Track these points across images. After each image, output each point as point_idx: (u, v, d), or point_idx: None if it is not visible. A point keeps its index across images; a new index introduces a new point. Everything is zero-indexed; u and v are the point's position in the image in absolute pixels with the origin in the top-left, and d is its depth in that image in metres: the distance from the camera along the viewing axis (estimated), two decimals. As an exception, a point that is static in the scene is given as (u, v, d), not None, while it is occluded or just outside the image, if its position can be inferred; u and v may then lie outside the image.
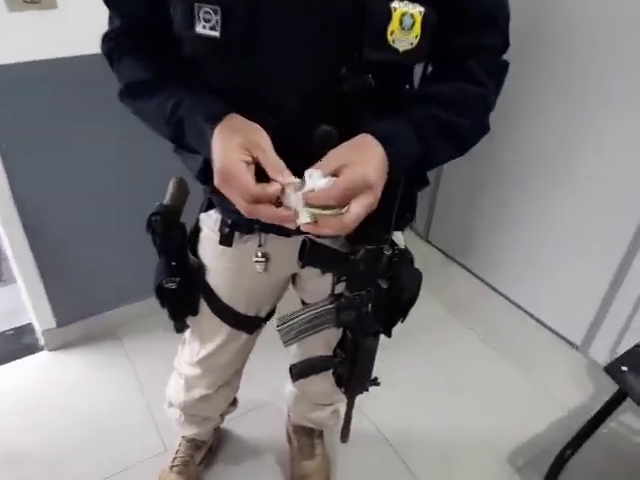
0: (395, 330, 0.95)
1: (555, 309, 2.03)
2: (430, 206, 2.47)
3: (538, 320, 2.10)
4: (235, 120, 0.71)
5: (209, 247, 0.99)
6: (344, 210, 0.65)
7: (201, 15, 0.69)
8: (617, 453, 1.61)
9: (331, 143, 0.71)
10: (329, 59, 0.72)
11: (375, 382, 1.00)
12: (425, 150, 0.74)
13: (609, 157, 1.69)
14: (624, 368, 1.29)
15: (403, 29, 0.71)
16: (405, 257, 0.88)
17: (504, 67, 0.81)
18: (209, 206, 0.96)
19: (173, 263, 0.99)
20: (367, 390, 1.01)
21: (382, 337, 0.94)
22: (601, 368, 1.85)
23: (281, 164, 0.67)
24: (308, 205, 0.65)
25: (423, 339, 1.97)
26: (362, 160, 0.67)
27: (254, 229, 0.91)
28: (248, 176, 0.66)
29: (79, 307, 1.86)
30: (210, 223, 0.96)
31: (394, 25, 0.70)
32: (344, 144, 0.70)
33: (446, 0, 0.72)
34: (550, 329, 2.06)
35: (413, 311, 0.92)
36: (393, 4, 0.69)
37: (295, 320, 0.85)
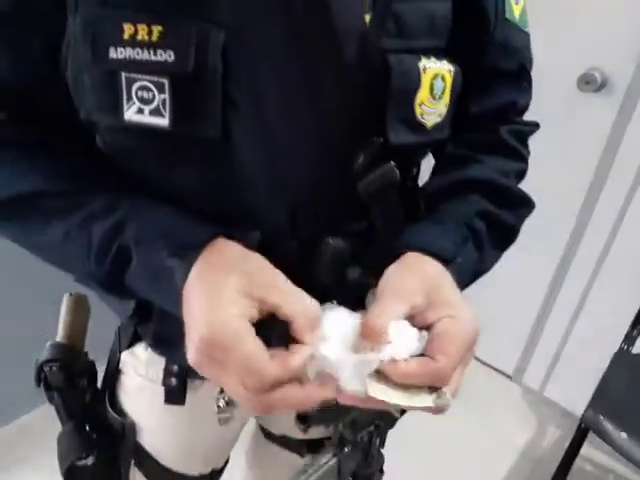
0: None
1: (486, 341, 1.99)
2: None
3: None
4: (226, 249, 0.44)
5: (143, 401, 0.68)
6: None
7: (134, 92, 0.44)
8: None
9: (341, 263, 0.52)
10: (340, 149, 0.50)
11: None
12: (481, 258, 0.55)
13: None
14: (600, 416, 1.24)
15: (434, 98, 0.51)
16: None
17: (533, 130, 0.64)
18: (134, 338, 0.65)
19: (87, 427, 0.68)
20: None
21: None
22: (536, 395, 1.87)
23: (313, 310, 0.42)
24: (383, 379, 0.41)
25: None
26: (450, 302, 0.45)
27: None
28: (257, 348, 0.39)
29: None
30: (140, 367, 0.66)
31: (424, 93, 0.50)
32: (399, 270, 0.47)
33: (470, 50, 0.55)
34: (481, 361, 2.03)
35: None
36: (421, 63, 0.49)
37: None
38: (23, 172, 0.49)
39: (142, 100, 0.44)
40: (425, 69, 0.49)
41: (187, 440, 0.71)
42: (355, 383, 0.41)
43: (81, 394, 0.69)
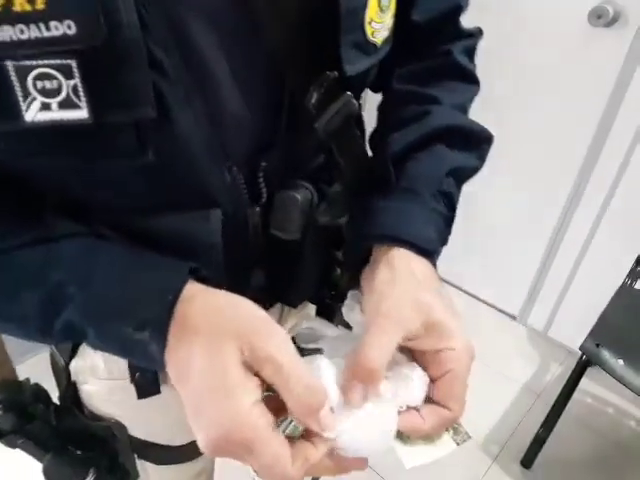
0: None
1: (491, 284, 2.03)
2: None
3: (474, 296, 2.10)
4: (197, 304, 0.37)
5: (118, 399, 0.60)
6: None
7: (30, 85, 0.32)
8: (587, 424, 1.63)
9: (311, 211, 0.48)
10: (292, 92, 0.44)
11: None
12: (452, 218, 0.52)
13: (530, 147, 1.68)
14: (596, 344, 1.28)
15: (382, 10, 0.44)
16: None
17: (478, 40, 0.58)
18: (75, 346, 0.57)
19: (70, 449, 0.60)
20: None
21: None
22: (540, 336, 1.91)
23: (320, 394, 0.36)
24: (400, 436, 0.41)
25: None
26: (446, 326, 0.41)
27: None
28: (279, 449, 0.35)
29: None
30: (99, 371, 0.57)
31: (373, 7, 0.43)
32: (388, 284, 0.43)
33: None
34: (487, 303, 2.07)
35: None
36: None
37: None
38: None
39: (44, 92, 0.33)
40: None
41: (180, 409, 0.67)
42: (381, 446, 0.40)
43: (44, 421, 0.59)
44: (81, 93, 0.33)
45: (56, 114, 0.33)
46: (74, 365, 0.58)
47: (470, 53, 0.57)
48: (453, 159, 0.51)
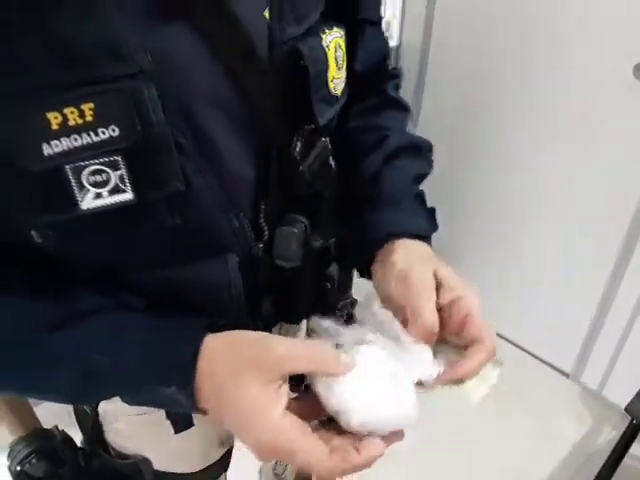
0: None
1: (543, 338, 1.97)
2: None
3: (526, 350, 2.04)
4: (214, 350, 0.44)
5: (147, 432, 0.65)
6: None
7: (85, 180, 0.39)
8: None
9: (306, 240, 0.56)
10: (278, 144, 0.52)
11: None
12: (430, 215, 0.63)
13: (579, 195, 1.66)
14: (645, 406, 1.22)
15: (339, 68, 0.54)
16: None
17: (399, 76, 0.71)
18: None
19: None
20: None
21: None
22: (594, 395, 1.82)
23: (330, 355, 0.45)
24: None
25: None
26: (451, 281, 0.52)
27: None
28: (316, 449, 0.43)
29: None
30: (128, 409, 0.55)
31: (332, 68, 0.53)
32: (407, 260, 0.53)
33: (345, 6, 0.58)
34: (539, 359, 2.00)
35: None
36: (324, 42, 0.51)
37: None
38: None
39: (96, 185, 0.40)
40: (328, 46, 0.52)
41: (203, 437, 0.70)
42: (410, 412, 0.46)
43: (73, 465, 0.65)
44: (127, 180, 0.41)
45: (107, 200, 0.41)
46: (102, 407, 0.63)
47: (397, 88, 0.70)
48: (413, 169, 0.63)
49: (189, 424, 0.61)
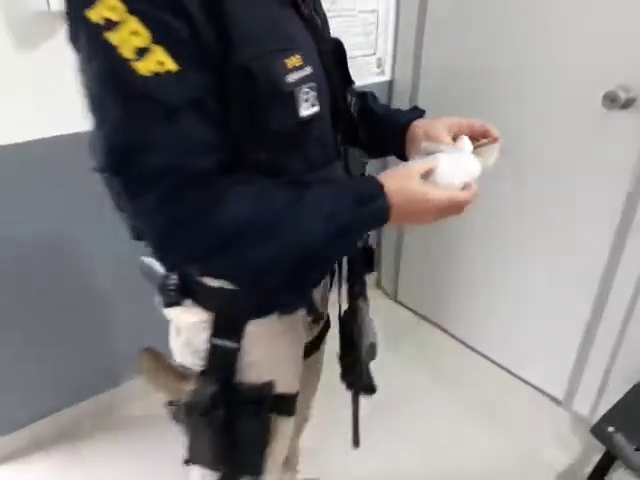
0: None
1: (534, 363, 1.97)
2: (396, 262, 2.43)
3: (517, 376, 2.04)
4: (389, 180, 0.72)
5: (277, 348, 0.86)
6: None
7: (301, 97, 0.69)
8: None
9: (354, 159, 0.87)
10: (342, 92, 0.85)
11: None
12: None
13: (572, 215, 1.70)
14: (610, 429, 1.22)
15: None
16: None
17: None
18: (263, 311, 0.82)
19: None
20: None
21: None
22: (585, 423, 1.80)
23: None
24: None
25: (400, 407, 1.88)
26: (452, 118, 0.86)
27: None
28: (445, 193, 0.73)
29: (24, 410, 1.70)
30: (276, 326, 0.84)
31: None
32: (429, 122, 0.87)
33: None
34: (531, 385, 2.00)
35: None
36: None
37: None
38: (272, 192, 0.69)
39: (306, 100, 0.70)
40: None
41: (297, 364, 0.95)
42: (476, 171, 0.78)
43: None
44: (316, 100, 0.71)
45: (310, 110, 0.71)
46: (257, 321, 0.81)
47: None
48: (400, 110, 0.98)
49: (320, 314, 0.97)
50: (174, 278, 0.79)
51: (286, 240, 0.66)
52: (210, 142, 0.64)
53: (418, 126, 0.86)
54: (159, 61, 0.57)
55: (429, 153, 0.78)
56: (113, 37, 0.56)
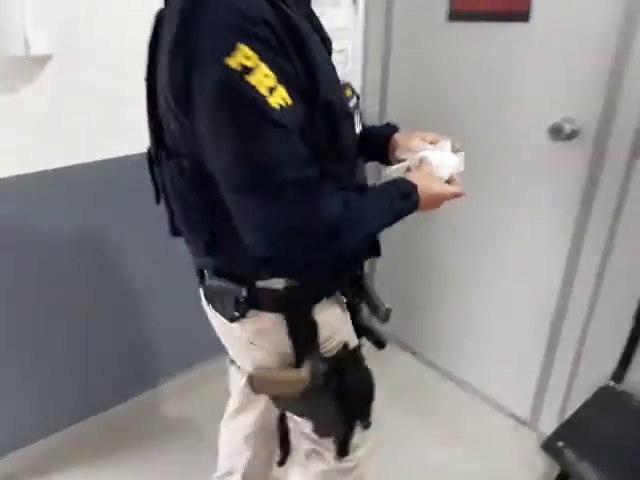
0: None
1: (500, 384, 2.02)
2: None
3: (484, 396, 2.08)
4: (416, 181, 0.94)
5: (331, 320, 1.01)
6: None
7: (356, 119, 0.96)
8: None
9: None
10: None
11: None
12: None
13: (529, 240, 1.78)
14: (560, 444, 1.27)
15: None
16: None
17: None
18: (321, 296, 0.98)
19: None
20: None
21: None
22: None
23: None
24: None
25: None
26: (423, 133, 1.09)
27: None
28: (445, 187, 0.98)
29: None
30: (331, 302, 1.01)
31: None
32: (404, 137, 1.09)
33: None
34: (498, 405, 2.04)
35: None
36: None
37: None
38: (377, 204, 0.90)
39: (358, 122, 0.98)
40: None
41: (350, 324, 1.09)
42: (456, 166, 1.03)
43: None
44: (358, 120, 0.98)
45: (359, 129, 0.99)
46: (321, 305, 0.98)
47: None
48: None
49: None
50: (244, 290, 0.92)
51: (367, 229, 0.86)
52: (309, 157, 0.78)
53: (398, 137, 1.09)
54: (282, 97, 0.73)
55: (417, 152, 1.00)
56: (251, 79, 0.70)
